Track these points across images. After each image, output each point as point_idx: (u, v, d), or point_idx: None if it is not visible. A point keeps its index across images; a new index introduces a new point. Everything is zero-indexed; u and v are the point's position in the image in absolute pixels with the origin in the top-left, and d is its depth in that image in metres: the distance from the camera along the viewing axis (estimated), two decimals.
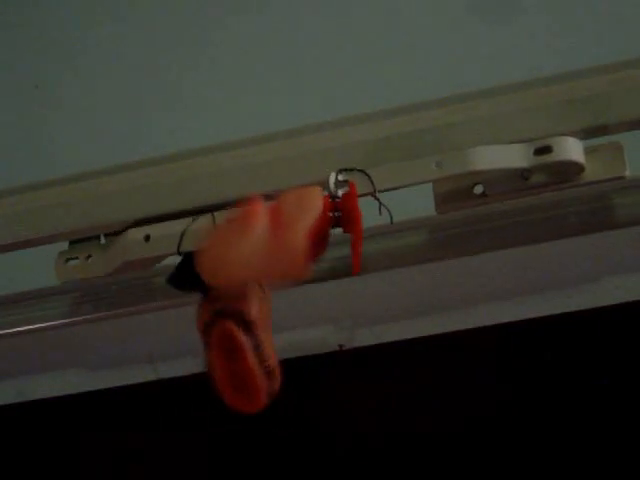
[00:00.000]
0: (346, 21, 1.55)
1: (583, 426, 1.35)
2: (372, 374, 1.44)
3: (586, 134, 0.85)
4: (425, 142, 0.87)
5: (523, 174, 0.86)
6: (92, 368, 1.49)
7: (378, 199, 0.85)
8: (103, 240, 0.99)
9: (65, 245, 1.03)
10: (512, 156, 0.84)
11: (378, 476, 1.42)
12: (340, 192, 0.82)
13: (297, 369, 1.33)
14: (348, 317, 1.45)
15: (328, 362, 1.45)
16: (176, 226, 0.92)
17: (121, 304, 1.20)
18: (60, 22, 1.64)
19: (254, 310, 0.86)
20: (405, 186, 0.87)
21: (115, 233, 0.96)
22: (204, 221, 0.92)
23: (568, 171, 0.86)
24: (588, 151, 0.86)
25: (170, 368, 1.48)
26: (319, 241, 0.79)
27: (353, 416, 1.44)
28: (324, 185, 0.83)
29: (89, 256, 0.98)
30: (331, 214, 0.81)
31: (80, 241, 0.99)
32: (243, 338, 0.85)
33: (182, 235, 0.91)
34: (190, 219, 0.92)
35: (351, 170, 0.85)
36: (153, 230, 0.93)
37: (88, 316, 1.23)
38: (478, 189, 0.88)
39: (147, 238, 0.93)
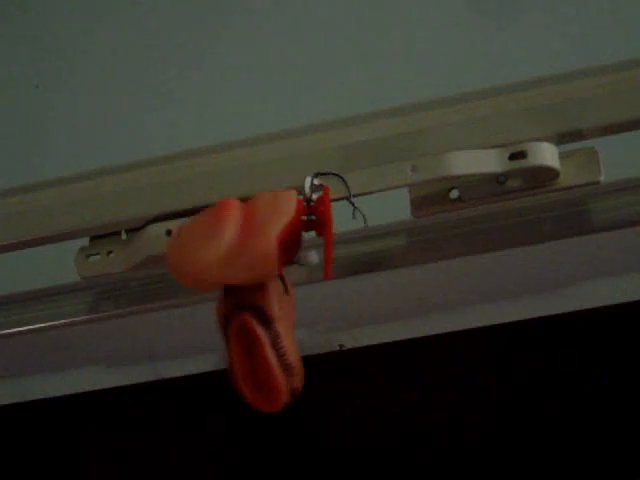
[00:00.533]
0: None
1: (583, 426, 1.34)
2: (372, 374, 1.43)
3: (561, 139, 0.85)
4: (401, 147, 0.86)
5: (498, 179, 0.86)
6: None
7: (353, 203, 0.84)
8: (124, 236, 0.99)
9: (86, 242, 1.04)
10: (487, 161, 0.84)
11: (378, 476, 1.41)
12: (315, 196, 0.82)
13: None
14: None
15: (328, 362, 1.43)
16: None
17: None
18: (61, 22, 1.64)
19: (273, 304, 0.86)
20: (380, 190, 0.86)
21: (136, 229, 0.97)
22: None
23: (543, 176, 0.85)
24: (563, 156, 0.86)
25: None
26: (291, 244, 0.80)
27: (353, 416, 1.43)
28: (300, 189, 0.82)
29: (110, 252, 0.99)
30: (305, 218, 0.81)
31: (101, 237, 0.99)
32: (260, 331, 0.85)
33: None
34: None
35: (327, 174, 0.85)
36: (174, 225, 0.93)
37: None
38: (454, 194, 0.88)
39: (168, 233, 0.94)
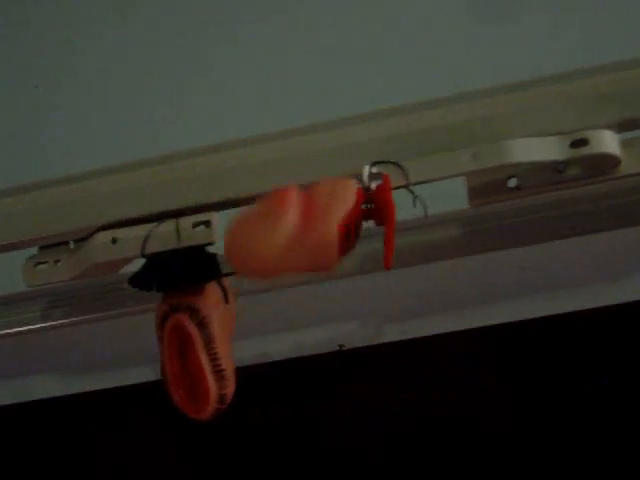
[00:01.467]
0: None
1: (583, 426, 1.35)
2: (372, 374, 1.44)
3: (622, 127, 0.84)
4: (460, 135, 0.85)
5: (558, 167, 0.85)
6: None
7: (412, 191, 0.83)
8: (72, 245, 0.99)
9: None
10: (548, 148, 0.83)
11: (379, 476, 1.42)
12: (374, 184, 0.81)
13: (297, 369, 1.43)
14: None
15: (328, 362, 1.45)
16: (141, 230, 0.92)
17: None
18: (61, 22, 1.64)
19: (209, 307, 0.88)
20: (440, 179, 0.84)
21: (84, 239, 0.96)
22: (168, 226, 0.92)
23: (604, 164, 0.84)
24: (624, 144, 0.84)
25: None
26: (351, 234, 0.78)
27: (353, 416, 1.43)
28: (358, 177, 0.81)
29: (57, 260, 0.98)
30: (364, 206, 0.80)
31: (49, 246, 0.99)
32: (194, 331, 0.87)
33: (146, 238, 0.91)
34: (155, 224, 0.92)
35: (385, 162, 0.84)
36: (119, 234, 0.93)
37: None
38: (512, 182, 0.87)
39: (114, 241, 0.93)
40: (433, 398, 1.41)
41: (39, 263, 0.99)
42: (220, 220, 0.90)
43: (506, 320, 1.39)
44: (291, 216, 0.75)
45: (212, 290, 0.90)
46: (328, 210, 0.76)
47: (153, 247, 0.91)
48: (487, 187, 0.86)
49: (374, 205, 0.80)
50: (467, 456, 1.39)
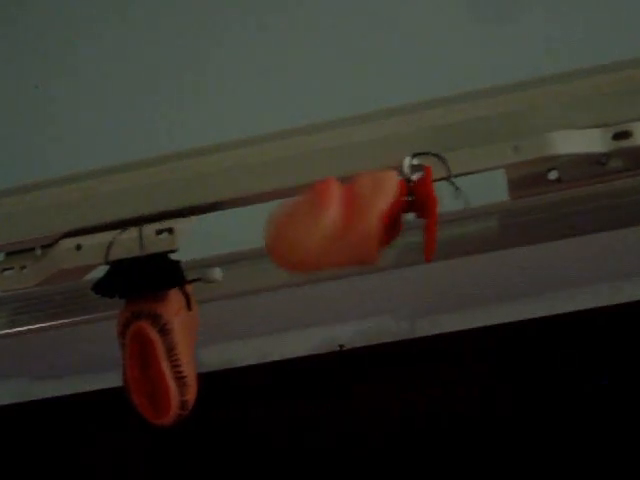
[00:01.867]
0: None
1: (583, 425, 1.36)
2: (372, 375, 1.45)
3: None
4: (501, 127, 0.83)
5: (600, 159, 0.83)
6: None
7: (454, 183, 0.81)
8: (39, 252, 0.98)
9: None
10: (590, 141, 0.81)
11: (378, 476, 1.42)
12: (415, 176, 0.79)
13: (297, 369, 1.44)
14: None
15: (328, 362, 1.45)
16: (105, 237, 0.92)
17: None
18: (60, 21, 1.63)
19: (171, 314, 0.89)
20: (481, 171, 0.83)
21: (49, 245, 0.96)
22: (131, 233, 0.92)
23: None
24: None
25: None
26: (392, 226, 0.77)
27: (353, 416, 1.44)
28: (398, 169, 0.80)
29: (24, 267, 0.98)
30: (405, 199, 0.78)
31: (16, 252, 0.99)
32: (156, 338, 0.87)
33: (110, 245, 0.91)
34: (119, 231, 0.92)
35: (426, 154, 0.82)
36: (84, 240, 0.93)
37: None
38: (553, 175, 0.85)
39: (78, 247, 0.93)
40: (432, 398, 1.42)
41: (5, 269, 0.99)
42: (183, 227, 0.90)
43: (510, 319, 1.40)
44: (333, 209, 0.75)
45: (174, 297, 0.91)
46: (370, 203, 0.75)
47: (117, 254, 0.91)
48: (527, 180, 0.85)
49: (415, 197, 0.79)
50: (466, 456, 1.39)
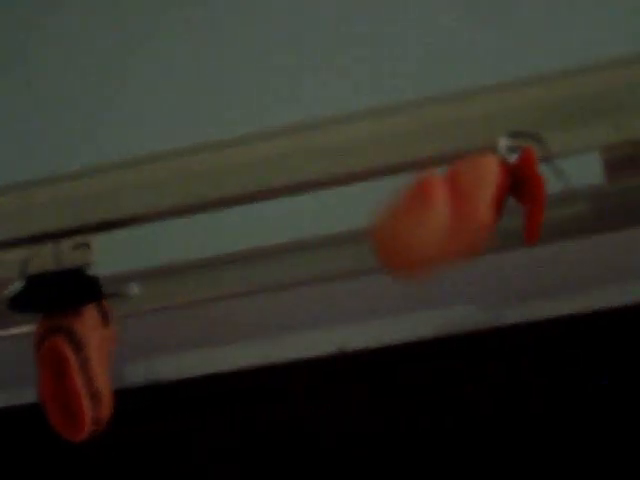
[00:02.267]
0: None
1: (584, 426, 1.35)
2: (372, 376, 1.43)
3: None
4: (600, 105, 0.78)
5: None
6: None
7: (554, 165, 0.77)
8: None
9: None
10: None
11: (378, 477, 1.41)
12: (512, 158, 0.77)
13: (297, 372, 1.45)
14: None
15: (327, 364, 1.44)
16: (22, 252, 0.93)
17: None
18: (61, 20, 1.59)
19: (86, 330, 0.90)
20: (580, 151, 0.78)
21: None
22: (48, 248, 0.92)
23: None
24: None
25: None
26: (497, 211, 0.76)
27: (353, 416, 1.43)
28: (492, 150, 0.78)
29: None
30: (507, 183, 0.77)
31: None
32: (70, 354, 0.88)
33: (26, 260, 0.92)
34: (36, 245, 0.92)
35: (521, 134, 0.78)
36: (0, 255, 0.93)
37: None
38: None
39: None
40: (432, 399, 1.40)
41: None
42: (99, 242, 0.91)
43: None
44: (440, 204, 0.73)
45: (90, 313, 0.92)
46: (476, 192, 0.73)
47: (33, 269, 0.92)
48: (626, 162, 0.81)
49: (516, 180, 0.76)
50: (466, 456, 1.38)
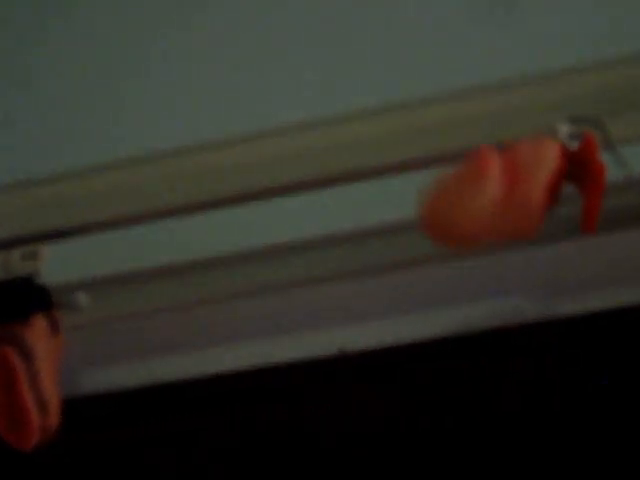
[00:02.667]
0: None
1: (584, 426, 1.35)
2: (372, 378, 1.43)
3: None
4: None
5: None
6: None
7: (617, 152, 0.75)
8: None
9: None
10: None
11: (378, 477, 1.41)
12: (573, 144, 0.75)
13: (296, 372, 1.43)
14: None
15: (327, 365, 1.43)
16: None
17: None
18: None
19: (36, 341, 0.89)
20: None
21: None
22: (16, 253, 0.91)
23: None
24: None
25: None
26: (553, 195, 0.74)
27: (353, 417, 1.42)
28: (551, 136, 0.76)
29: None
30: (566, 168, 0.75)
31: None
32: (19, 364, 0.88)
33: None
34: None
35: (582, 120, 0.76)
36: None
37: None
38: None
39: None
40: (433, 401, 1.40)
41: None
42: (48, 252, 0.90)
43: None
44: (493, 180, 0.72)
45: (39, 322, 0.92)
46: (532, 173, 0.72)
47: None
48: None
49: (575, 166, 0.75)
50: (465, 457, 1.38)
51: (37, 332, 0.91)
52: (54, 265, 0.91)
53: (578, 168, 0.74)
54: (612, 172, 0.76)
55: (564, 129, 0.75)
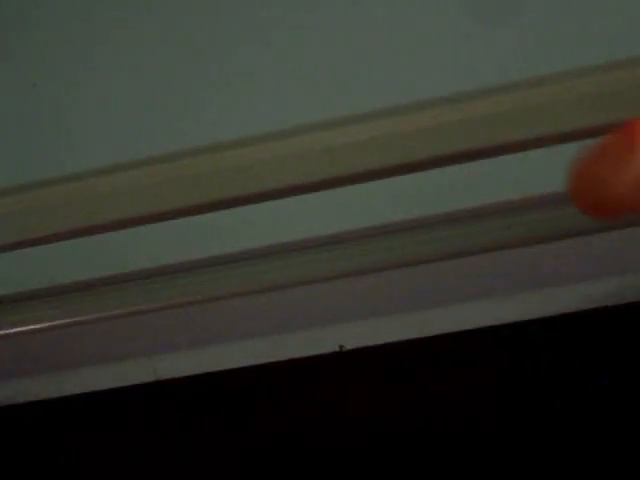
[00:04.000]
0: None
1: (584, 426, 1.35)
2: (372, 375, 1.44)
3: None
4: None
5: None
6: None
7: None
8: None
9: None
10: None
11: (377, 477, 1.42)
12: None
13: (296, 370, 1.45)
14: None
15: (327, 364, 1.45)
16: None
17: None
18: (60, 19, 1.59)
19: None
20: None
21: None
22: None
23: None
24: None
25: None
26: None
27: (352, 416, 1.44)
28: None
29: None
30: None
31: None
32: None
33: None
34: None
35: None
36: None
37: None
38: None
39: None
40: (432, 399, 1.41)
41: None
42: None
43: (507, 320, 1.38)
44: None
45: None
46: None
47: None
48: None
49: None
50: (465, 457, 1.39)
51: None
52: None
53: None
54: None
55: None
